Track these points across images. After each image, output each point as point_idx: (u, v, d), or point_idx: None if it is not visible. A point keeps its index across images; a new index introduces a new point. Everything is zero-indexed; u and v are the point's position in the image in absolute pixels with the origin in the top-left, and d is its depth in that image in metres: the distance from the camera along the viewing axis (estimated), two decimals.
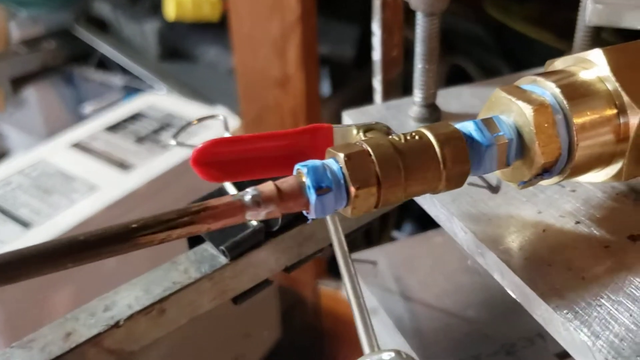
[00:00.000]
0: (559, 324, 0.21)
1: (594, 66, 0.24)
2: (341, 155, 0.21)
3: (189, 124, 0.33)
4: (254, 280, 0.28)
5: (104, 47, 1.15)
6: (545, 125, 0.22)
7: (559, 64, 0.26)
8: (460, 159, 0.22)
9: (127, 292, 0.26)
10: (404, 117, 0.33)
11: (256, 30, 0.92)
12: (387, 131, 0.24)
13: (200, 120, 0.33)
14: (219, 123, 0.35)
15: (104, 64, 1.19)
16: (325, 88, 1.09)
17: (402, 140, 0.22)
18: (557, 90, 0.23)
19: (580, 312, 0.21)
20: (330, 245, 0.29)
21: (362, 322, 0.24)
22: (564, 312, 0.21)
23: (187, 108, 0.71)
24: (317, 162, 0.21)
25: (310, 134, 0.23)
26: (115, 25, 1.18)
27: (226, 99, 0.95)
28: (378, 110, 0.34)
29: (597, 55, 0.24)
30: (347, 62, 1.08)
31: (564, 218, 0.25)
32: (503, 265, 0.23)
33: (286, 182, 0.21)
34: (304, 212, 0.21)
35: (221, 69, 1.12)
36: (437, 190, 0.22)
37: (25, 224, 0.56)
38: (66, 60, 1.23)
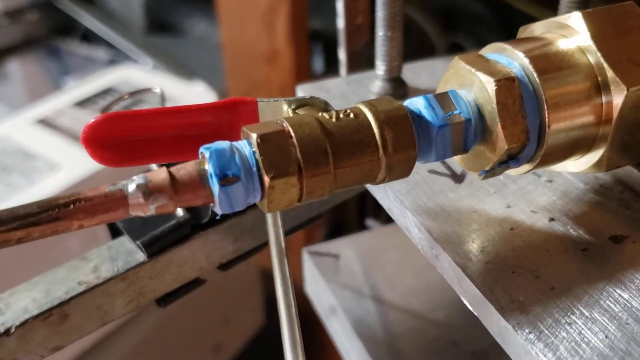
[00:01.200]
0: (519, 346, 0.17)
1: (574, 34, 0.20)
2: (254, 136, 0.17)
3: (120, 98, 0.29)
4: (178, 281, 0.24)
5: (88, 19, 1.11)
6: (510, 102, 0.18)
7: (535, 28, 0.21)
8: (404, 142, 0.18)
9: (24, 292, 0.22)
10: (365, 92, 0.29)
11: (244, 3, 0.88)
12: (325, 108, 0.20)
13: (132, 94, 0.29)
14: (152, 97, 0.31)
15: (88, 36, 1.15)
16: (319, 64, 1.04)
17: (334, 119, 0.18)
18: (527, 61, 0.19)
19: (546, 331, 0.17)
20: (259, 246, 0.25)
21: (289, 334, 0.20)
22: (526, 331, 0.17)
23: (161, 83, 0.67)
24: (224, 143, 0.17)
25: (229, 109, 0.19)
26: None
27: (214, 74, 0.91)
28: (337, 84, 0.30)
29: (577, 20, 0.20)
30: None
31: (536, 214, 0.21)
32: (459, 271, 0.19)
33: (183, 169, 0.17)
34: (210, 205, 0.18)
35: (210, 43, 1.08)
36: (377, 181, 0.18)
37: None
38: (49, 32, 1.19)
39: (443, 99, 0.19)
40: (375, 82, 0.28)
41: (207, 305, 0.72)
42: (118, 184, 0.16)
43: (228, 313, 0.78)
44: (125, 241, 0.24)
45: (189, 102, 0.57)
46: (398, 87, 0.28)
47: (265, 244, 0.27)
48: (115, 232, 0.25)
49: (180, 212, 0.24)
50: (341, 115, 0.18)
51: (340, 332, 0.31)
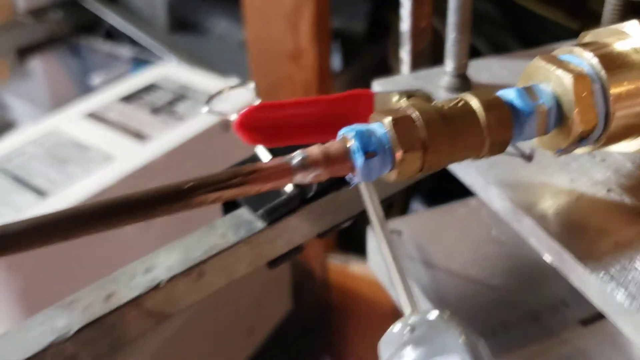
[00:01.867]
0: (595, 287, 0.22)
1: (628, 37, 0.25)
2: (388, 120, 0.21)
3: (220, 92, 0.34)
4: (288, 246, 0.29)
5: (112, 18, 1.14)
6: (584, 94, 0.23)
7: (591, 36, 0.26)
8: (503, 125, 0.22)
9: (167, 254, 0.27)
10: (433, 87, 0.33)
11: (269, 3, 0.92)
12: (429, 98, 0.25)
13: (232, 88, 0.33)
14: (237, 94, 0.35)
15: (112, 34, 1.18)
16: (336, 62, 1.09)
17: (446, 107, 0.22)
18: (595, 61, 0.23)
19: (616, 274, 0.22)
20: (363, 212, 0.30)
21: (402, 284, 0.24)
22: (601, 274, 0.22)
23: (200, 80, 0.71)
24: (362, 126, 0.21)
25: (351, 99, 0.24)
26: None
27: (236, 72, 0.95)
28: (407, 80, 0.34)
29: (633, 27, 0.24)
30: (359, 36, 1.08)
31: (595, 186, 0.26)
32: (540, 231, 0.24)
33: (333, 146, 0.21)
34: (349, 176, 0.22)
35: (232, 41, 1.12)
36: (479, 156, 0.23)
37: (41, 193, 0.56)
38: (73, 30, 1.22)
39: (529, 91, 0.23)
40: (443, 77, 0.33)
41: (242, 292, 0.77)
42: (284, 158, 0.21)
43: (260, 299, 0.82)
44: (243, 212, 0.29)
45: (231, 96, 0.62)
46: (464, 83, 0.32)
47: (353, 217, 0.31)
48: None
49: (290, 187, 0.28)
50: (452, 104, 0.22)
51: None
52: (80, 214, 0.18)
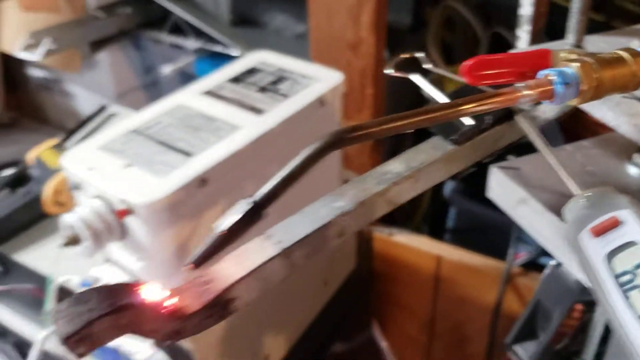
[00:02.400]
0: None
1: None
2: (576, 65, 0.33)
3: (398, 57, 0.45)
4: (470, 162, 0.41)
5: (178, 12, 1.25)
6: None
7: None
8: None
9: (395, 164, 0.39)
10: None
11: None
12: (588, 52, 0.36)
13: (403, 56, 0.45)
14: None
15: (177, 28, 1.29)
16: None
17: (608, 57, 0.34)
18: None
19: None
20: (511, 143, 0.42)
21: (567, 176, 0.36)
22: None
23: (292, 63, 0.83)
24: (559, 69, 0.33)
25: (540, 54, 0.36)
26: None
27: None
28: None
29: None
30: (405, 28, 1.20)
31: None
32: None
33: (542, 80, 0.33)
34: (546, 101, 0.34)
35: (288, 34, 1.23)
36: (626, 91, 0.35)
37: (186, 154, 0.68)
38: (141, 25, 1.33)
39: None
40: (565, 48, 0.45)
41: None
42: (514, 86, 0.33)
43: (333, 256, 0.94)
44: (437, 139, 0.40)
45: (320, 76, 0.74)
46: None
47: (502, 150, 0.43)
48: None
49: (469, 121, 0.40)
50: (610, 56, 0.34)
51: (531, 215, 0.47)
52: (413, 114, 0.30)
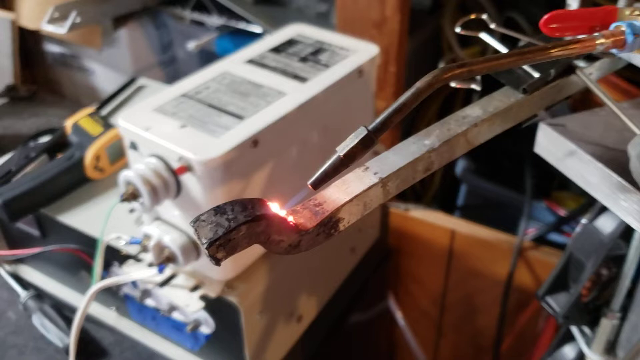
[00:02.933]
0: None
1: None
2: None
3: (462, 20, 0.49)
4: (536, 110, 0.45)
5: None
6: None
7: None
8: None
9: (471, 109, 0.43)
10: None
11: None
12: None
13: (464, 21, 0.49)
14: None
15: (200, 5, 1.32)
16: None
17: None
18: None
19: None
20: (567, 98, 0.46)
21: (628, 119, 0.40)
22: None
23: (329, 35, 0.87)
24: (629, 21, 0.38)
25: (608, 10, 0.40)
26: None
27: None
28: None
29: None
30: (425, 9, 1.25)
31: None
32: None
33: (617, 30, 0.37)
34: (615, 50, 0.38)
35: (310, 13, 1.27)
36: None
37: (238, 117, 0.72)
38: (165, 2, 1.35)
39: None
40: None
41: None
42: (591, 35, 0.37)
43: (360, 224, 0.99)
44: (507, 89, 0.45)
45: (357, 48, 0.78)
46: None
47: (567, 99, 0.48)
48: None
49: (535, 74, 0.44)
50: None
51: (580, 166, 0.51)
52: (510, 54, 0.34)
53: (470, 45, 1.36)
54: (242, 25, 1.26)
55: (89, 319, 0.91)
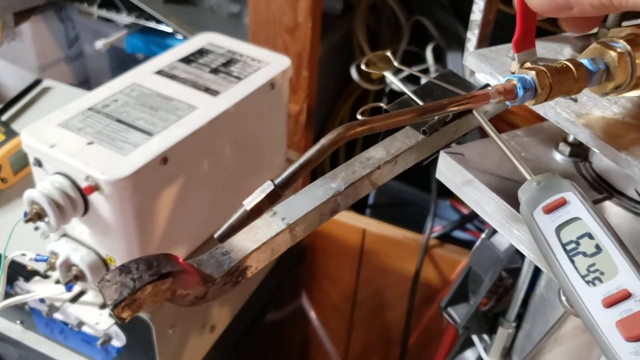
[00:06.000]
0: (621, 159, 0.42)
1: None
2: (533, 73, 0.40)
3: None
4: (435, 149, 0.47)
5: None
6: (623, 63, 0.43)
7: (614, 31, 0.46)
8: (584, 78, 0.42)
9: (375, 151, 0.45)
10: (504, 58, 0.53)
11: None
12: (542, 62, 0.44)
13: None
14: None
15: (107, 2, 1.28)
16: None
17: (558, 66, 0.41)
18: (626, 44, 0.44)
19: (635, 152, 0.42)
20: (466, 134, 0.49)
21: (518, 162, 0.43)
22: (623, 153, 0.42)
23: (240, 46, 0.87)
24: (520, 75, 0.40)
25: None
26: None
27: None
28: (485, 53, 0.53)
29: None
30: (336, 13, 1.26)
31: (615, 115, 0.47)
32: (589, 132, 0.44)
33: (507, 85, 0.40)
34: (508, 102, 0.41)
35: (222, 13, 1.26)
36: (571, 94, 0.42)
37: (147, 133, 0.71)
38: None
39: (594, 60, 0.43)
40: (510, 52, 0.52)
41: None
42: (484, 90, 0.39)
43: None
44: (408, 130, 0.47)
45: (269, 60, 0.79)
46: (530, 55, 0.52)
47: (460, 137, 0.50)
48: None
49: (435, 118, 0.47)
50: (559, 65, 0.42)
51: (476, 194, 0.54)
52: (408, 111, 0.36)
53: (381, 48, 1.39)
54: (152, 24, 1.23)
55: None
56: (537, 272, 0.67)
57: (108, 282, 0.33)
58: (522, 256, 0.68)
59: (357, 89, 1.40)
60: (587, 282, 0.36)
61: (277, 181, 0.36)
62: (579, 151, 0.57)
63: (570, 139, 0.57)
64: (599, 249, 0.37)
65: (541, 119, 0.52)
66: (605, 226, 0.37)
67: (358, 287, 1.33)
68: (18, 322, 0.88)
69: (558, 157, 0.58)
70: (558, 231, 0.39)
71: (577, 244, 0.38)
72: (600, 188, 0.54)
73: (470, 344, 0.77)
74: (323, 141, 0.35)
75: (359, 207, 1.36)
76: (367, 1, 1.35)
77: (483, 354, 0.72)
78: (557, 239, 0.38)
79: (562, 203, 0.39)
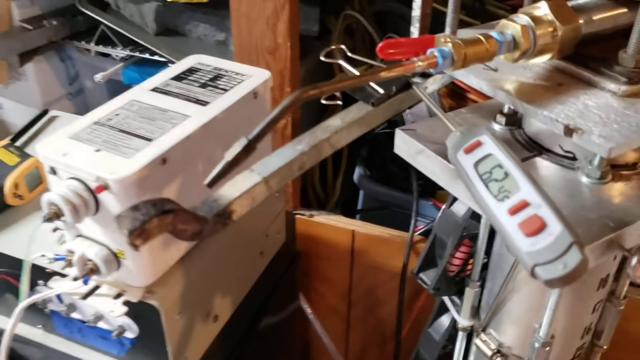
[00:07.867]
0: (542, 116, 0.53)
1: (539, 9, 0.56)
2: (449, 44, 0.51)
3: None
4: (384, 119, 0.58)
5: (107, 22, 1.36)
6: (526, 34, 0.53)
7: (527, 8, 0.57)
8: (493, 46, 0.52)
9: (333, 121, 0.55)
10: None
11: (253, 9, 1.19)
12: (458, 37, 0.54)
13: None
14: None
15: (105, 39, 1.40)
16: None
17: (471, 39, 0.52)
18: (530, 19, 0.54)
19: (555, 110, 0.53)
20: (411, 106, 0.59)
21: (450, 123, 0.54)
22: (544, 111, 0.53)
23: (225, 63, 0.98)
24: (439, 47, 0.51)
25: (428, 39, 0.53)
26: (114, 6, 1.40)
27: None
28: None
29: (542, 4, 0.56)
30: (313, 35, 1.38)
31: (528, 79, 0.57)
32: (508, 94, 0.54)
33: (430, 55, 0.50)
34: (431, 69, 0.51)
35: (209, 41, 1.37)
36: (483, 61, 0.53)
37: (147, 139, 0.81)
38: (68, 36, 1.42)
39: (501, 32, 0.53)
40: None
41: (256, 225, 1.04)
42: (410, 59, 0.50)
43: (267, 230, 1.10)
44: (361, 104, 0.57)
45: (251, 73, 0.90)
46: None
47: (402, 112, 0.61)
48: None
49: (381, 90, 0.57)
50: (473, 39, 0.52)
51: (427, 161, 0.64)
52: (349, 77, 0.46)
53: (358, 66, 1.50)
54: (146, 56, 1.34)
55: (16, 339, 0.96)
56: (492, 235, 0.76)
57: (124, 217, 0.43)
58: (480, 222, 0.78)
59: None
60: (498, 200, 0.46)
61: (250, 136, 0.46)
62: (514, 120, 0.67)
63: (505, 109, 0.67)
64: (506, 175, 0.47)
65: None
66: (511, 158, 0.48)
67: (352, 286, 1.42)
68: (39, 326, 0.97)
69: (496, 127, 0.68)
70: (476, 166, 0.49)
71: (490, 173, 0.48)
72: (532, 148, 0.65)
73: (445, 309, 0.86)
74: (284, 102, 0.45)
75: (350, 212, 1.45)
76: (342, 23, 1.47)
77: (455, 315, 0.81)
78: (475, 171, 0.48)
79: (478, 144, 0.49)
